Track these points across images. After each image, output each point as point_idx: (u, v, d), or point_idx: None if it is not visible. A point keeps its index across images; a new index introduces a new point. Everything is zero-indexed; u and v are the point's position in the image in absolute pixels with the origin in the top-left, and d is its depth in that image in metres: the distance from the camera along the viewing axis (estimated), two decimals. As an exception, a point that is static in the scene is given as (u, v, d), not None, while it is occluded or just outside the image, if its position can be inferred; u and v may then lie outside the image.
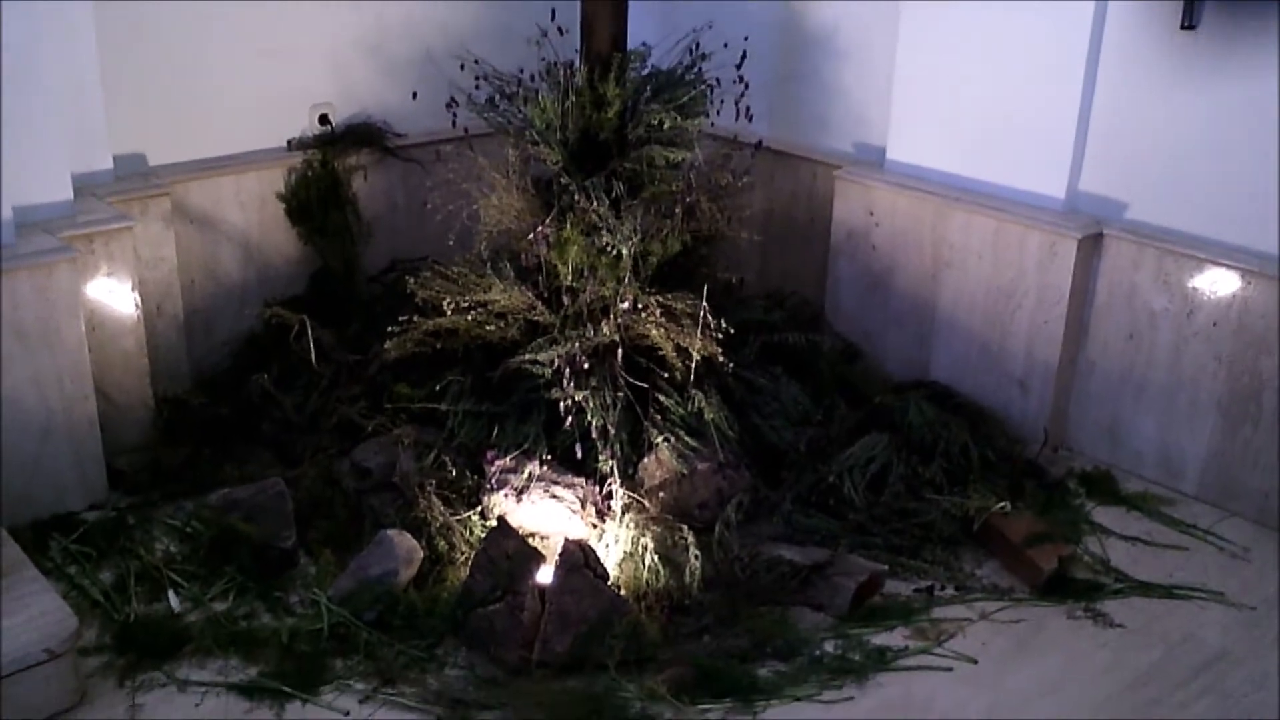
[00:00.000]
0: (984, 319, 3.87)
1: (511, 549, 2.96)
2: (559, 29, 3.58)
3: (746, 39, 3.81)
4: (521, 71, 3.57)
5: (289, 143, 4.14)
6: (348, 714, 2.70)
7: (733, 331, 3.40)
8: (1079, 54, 3.61)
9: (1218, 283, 3.46)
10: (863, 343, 4.20)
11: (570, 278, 3.43)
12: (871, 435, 3.54)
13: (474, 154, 3.62)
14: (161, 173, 3.85)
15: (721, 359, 3.40)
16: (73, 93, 3.52)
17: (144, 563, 3.13)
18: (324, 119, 4.18)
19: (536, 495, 3.21)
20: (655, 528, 3.13)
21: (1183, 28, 3.44)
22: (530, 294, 3.49)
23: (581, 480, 3.26)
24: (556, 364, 3.34)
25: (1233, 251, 3.44)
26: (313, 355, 3.67)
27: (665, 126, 3.46)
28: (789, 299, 4.26)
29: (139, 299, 3.56)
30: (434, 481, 3.25)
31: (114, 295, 3.50)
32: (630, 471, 3.33)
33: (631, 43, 3.66)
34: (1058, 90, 3.68)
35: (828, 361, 3.88)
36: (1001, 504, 3.39)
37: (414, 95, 3.89)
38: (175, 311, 3.83)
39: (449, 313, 3.45)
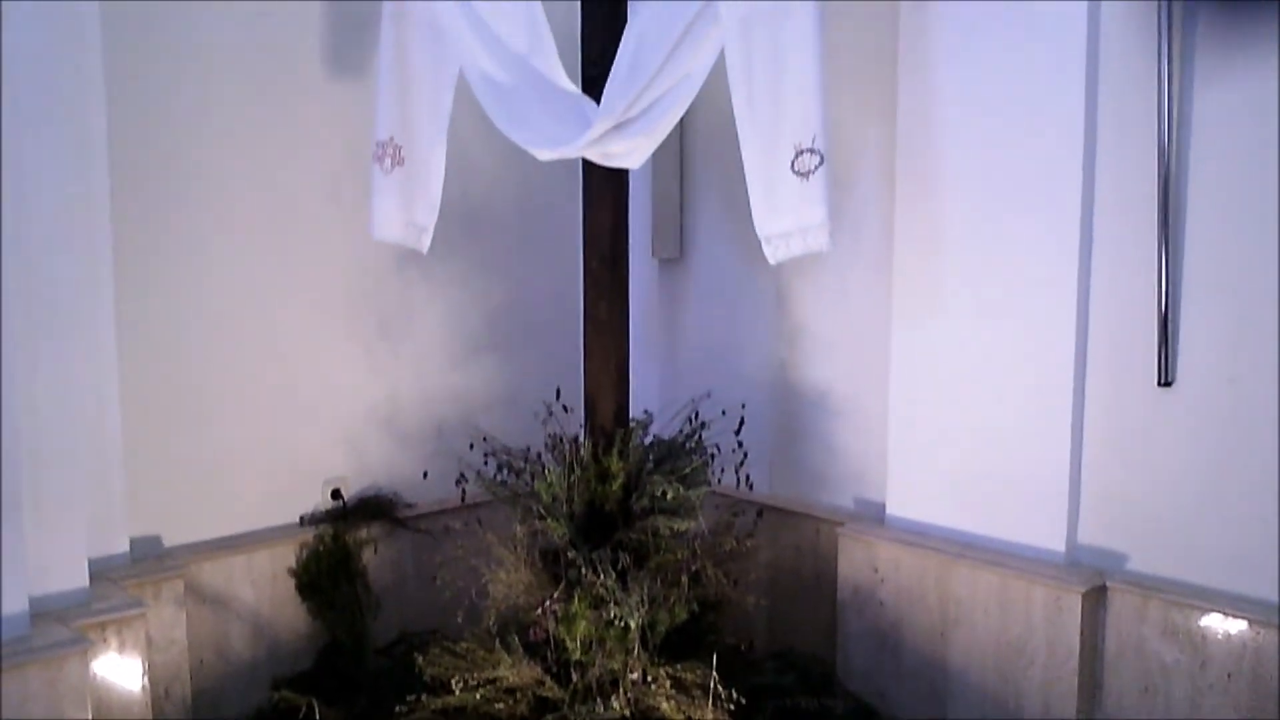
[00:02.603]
0: (997, 676, 3.83)
1: None
2: (564, 406, 3.74)
3: (744, 406, 3.99)
4: (529, 449, 3.70)
5: (301, 518, 4.24)
6: None
7: (744, 701, 3.37)
8: (1064, 408, 3.75)
9: (1227, 634, 3.45)
10: (876, 702, 4.13)
11: (579, 652, 3.44)
12: (892, 809, 3.45)
13: (482, 529, 3.71)
14: (176, 554, 3.92)
15: (734, 730, 3.37)
16: (97, 480, 3.64)
17: None
18: (336, 494, 4.30)
19: None
20: None
21: (1160, 384, 3.59)
22: (539, 669, 3.49)
23: None
24: (567, 742, 3.31)
25: (1238, 601, 3.45)
26: (319, 739, 3.63)
27: (669, 497, 3.56)
28: (799, 659, 4.24)
29: (148, 684, 3.55)
30: None
31: (124, 682, 3.49)
32: None
33: (633, 409, 3.82)
34: (1046, 443, 3.80)
35: (842, 726, 3.82)
36: None
37: (424, 475, 4.04)
38: (183, 694, 3.80)
39: (457, 691, 3.44)
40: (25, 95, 3.36)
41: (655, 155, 3.47)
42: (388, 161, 3.68)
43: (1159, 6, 3.42)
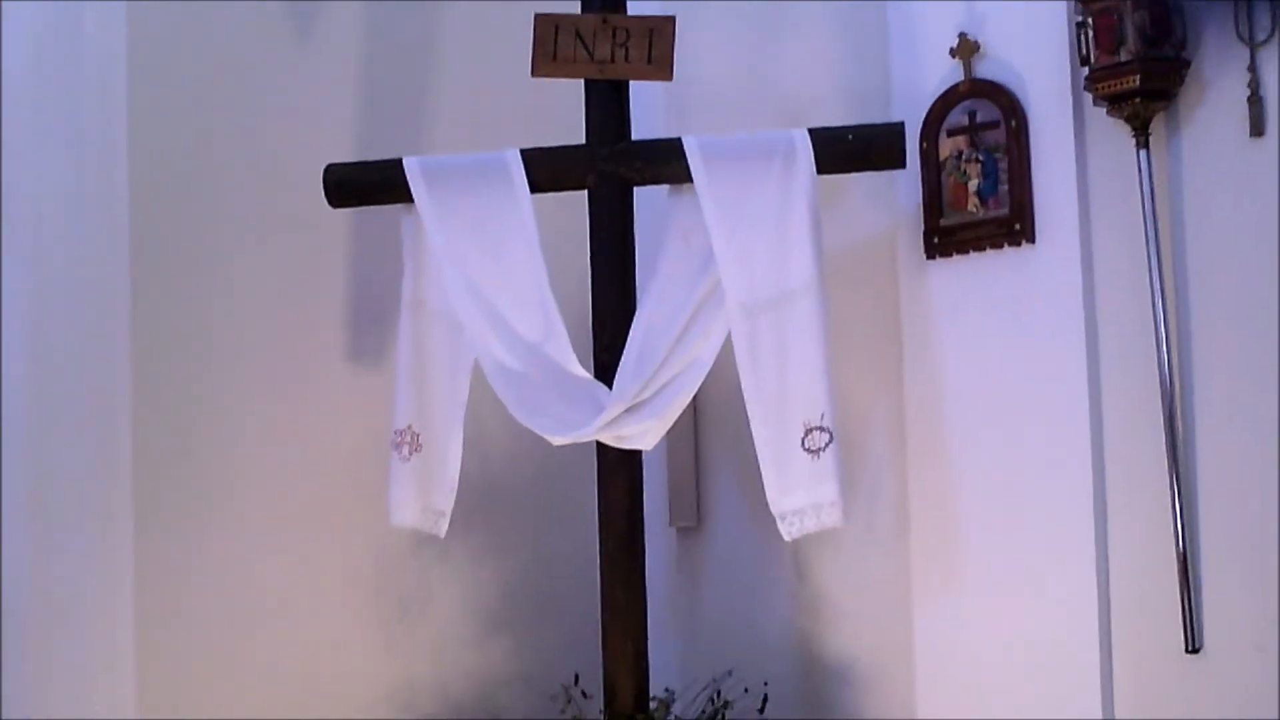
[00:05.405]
0: None
1: None
2: (583, 691, 3.69)
3: (766, 684, 3.92)
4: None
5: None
6: None
7: None
8: (1093, 679, 3.66)
9: None
10: None
11: None
12: None
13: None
14: None
15: None
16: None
17: None
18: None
19: None
20: None
21: (1187, 651, 3.52)
22: None
23: None
24: None
25: None
26: None
27: (696, 793, 3.47)
28: None
29: None
30: None
31: None
32: None
33: (653, 686, 3.74)
34: (1078, 715, 3.69)
35: None
36: None
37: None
38: None
39: None
40: (57, 396, 3.49)
41: (671, 423, 3.58)
42: (405, 449, 3.75)
43: (1149, 262, 3.55)
